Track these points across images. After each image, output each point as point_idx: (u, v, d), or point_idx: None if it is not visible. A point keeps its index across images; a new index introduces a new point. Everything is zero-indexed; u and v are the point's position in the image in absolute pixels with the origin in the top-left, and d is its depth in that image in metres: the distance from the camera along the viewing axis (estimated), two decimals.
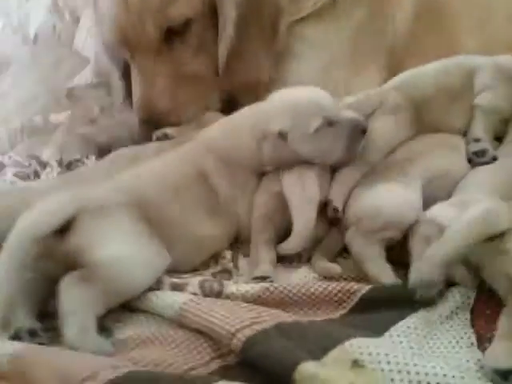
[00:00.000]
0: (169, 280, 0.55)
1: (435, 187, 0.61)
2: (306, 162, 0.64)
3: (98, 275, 0.50)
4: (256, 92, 0.86)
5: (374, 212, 0.58)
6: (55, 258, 0.52)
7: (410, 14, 0.98)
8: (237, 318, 0.46)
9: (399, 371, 0.38)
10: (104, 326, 0.51)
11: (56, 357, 0.44)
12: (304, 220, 0.60)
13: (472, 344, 0.46)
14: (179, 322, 0.49)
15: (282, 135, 0.63)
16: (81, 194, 0.55)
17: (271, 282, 0.55)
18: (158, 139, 0.81)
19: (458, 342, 0.46)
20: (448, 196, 0.60)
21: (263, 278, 0.57)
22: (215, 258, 0.62)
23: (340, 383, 0.38)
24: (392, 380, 0.37)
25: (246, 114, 0.69)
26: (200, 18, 0.84)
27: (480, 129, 0.69)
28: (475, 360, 0.43)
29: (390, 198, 0.58)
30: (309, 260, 0.61)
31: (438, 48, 0.95)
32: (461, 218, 0.51)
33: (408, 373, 0.37)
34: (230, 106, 0.86)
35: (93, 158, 0.90)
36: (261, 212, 0.63)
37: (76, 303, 0.48)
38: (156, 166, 0.65)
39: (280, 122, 0.63)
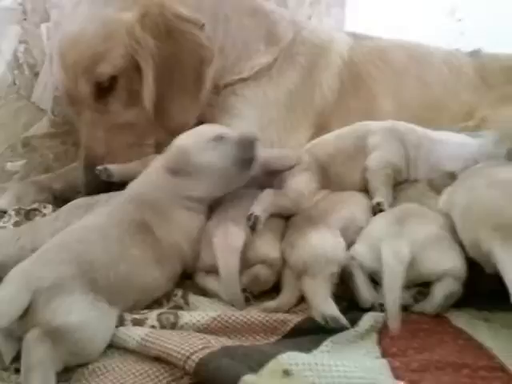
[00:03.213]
0: (130, 317, 0.63)
1: (346, 233, 0.74)
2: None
3: (61, 339, 0.55)
4: None
5: (316, 256, 0.69)
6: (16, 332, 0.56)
7: (335, 80, 1.13)
8: (190, 344, 0.55)
9: (319, 376, 0.49)
10: None
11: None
12: (226, 270, 0.69)
13: (377, 356, 0.58)
14: (141, 351, 0.57)
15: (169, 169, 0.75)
16: (33, 275, 0.59)
17: None
18: (100, 174, 0.87)
19: (365, 354, 0.58)
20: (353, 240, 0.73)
21: None
22: (168, 296, 0.70)
23: None
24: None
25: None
26: (125, 73, 0.94)
27: (372, 187, 0.82)
28: (379, 366, 0.55)
29: (325, 243, 0.71)
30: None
31: (359, 111, 1.11)
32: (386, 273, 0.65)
33: (326, 377, 0.49)
34: None
35: (50, 207, 0.95)
36: None
37: (39, 359, 0.53)
38: (98, 223, 0.69)
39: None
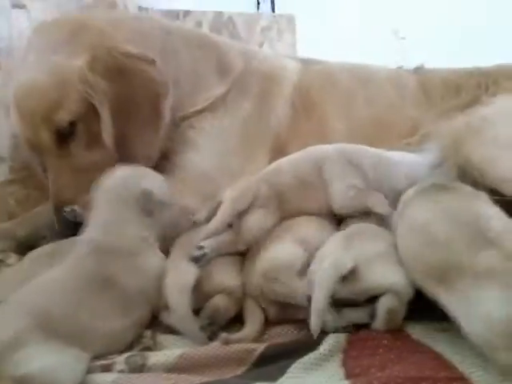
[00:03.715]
0: (98, 363, 0.64)
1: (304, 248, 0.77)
2: None
3: None
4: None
5: (275, 261, 0.73)
6: None
7: (288, 105, 1.17)
8: None
9: None
10: None
11: None
12: (177, 309, 0.71)
13: (341, 378, 0.60)
14: None
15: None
16: None
17: None
18: (68, 215, 0.89)
19: (329, 377, 0.60)
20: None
21: None
22: (137, 338, 0.71)
23: None
24: None
25: None
26: (83, 117, 0.96)
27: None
28: None
29: (279, 251, 0.74)
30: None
31: (312, 132, 1.14)
32: (319, 273, 0.68)
33: None
34: None
35: (13, 256, 0.95)
36: None
37: None
38: (57, 276, 0.70)
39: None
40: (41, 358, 0.59)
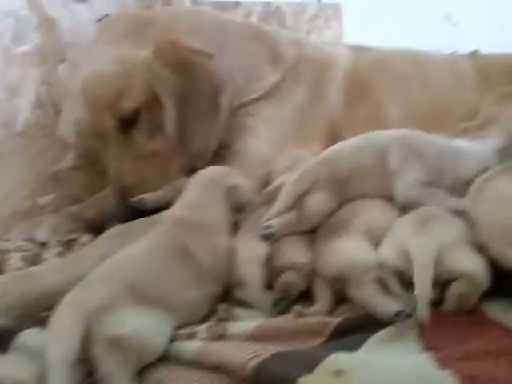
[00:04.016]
0: (184, 331, 0.68)
1: (371, 235, 0.78)
2: None
3: (123, 347, 0.61)
4: (207, 158, 1.02)
5: (349, 262, 0.73)
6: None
7: (341, 91, 1.19)
8: (242, 353, 0.60)
9: (370, 374, 0.53)
10: None
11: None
12: (250, 280, 0.74)
13: (420, 350, 0.61)
14: (198, 362, 0.62)
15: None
16: (81, 304, 0.63)
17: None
18: (135, 204, 0.94)
19: (408, 350, 0.62)
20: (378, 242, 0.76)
21: None
22: (212, 310, 0.75)
23: None
24: (365, 381, 0.52)
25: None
26: (146, 106, 1.00)
27: None
28: (424, 360, 0.59)
29: (358, 250, 0.74)
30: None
31: (367, 117, 1.15)
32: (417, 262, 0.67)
33: (377, 375, 0.53)
34: None
35: (86, 236, 1.01)
36: None
37: (111, 370, 0.59)
38: (140, 249, 0.75)
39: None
40: (133, 320, 0.63)
